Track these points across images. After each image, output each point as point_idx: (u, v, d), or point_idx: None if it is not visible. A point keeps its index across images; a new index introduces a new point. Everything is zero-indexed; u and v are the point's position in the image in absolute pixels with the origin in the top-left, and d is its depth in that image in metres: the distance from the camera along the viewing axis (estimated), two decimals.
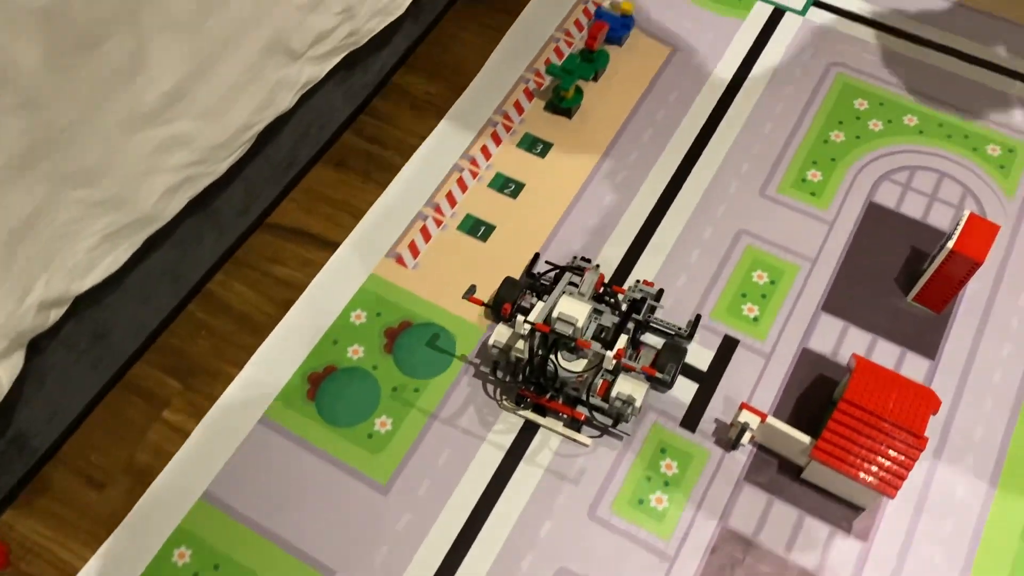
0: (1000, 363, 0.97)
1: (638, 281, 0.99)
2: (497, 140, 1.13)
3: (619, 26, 1.18)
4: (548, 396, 0.91)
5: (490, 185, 1.10)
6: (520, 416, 0.93)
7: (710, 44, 1.21)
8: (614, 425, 0.91)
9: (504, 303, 0.94)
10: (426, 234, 1.06)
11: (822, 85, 1.17)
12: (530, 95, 1.17)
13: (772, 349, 0.98)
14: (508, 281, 0.97)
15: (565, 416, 0.93)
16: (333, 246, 1.05)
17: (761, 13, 1.24)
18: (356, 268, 1.03)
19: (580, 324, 0.84)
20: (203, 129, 0.77)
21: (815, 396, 0.94)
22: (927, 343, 0.98)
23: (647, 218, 1.07)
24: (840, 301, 1.01)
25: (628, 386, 0.87)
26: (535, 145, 1.13)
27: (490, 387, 0.95)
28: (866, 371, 0.85)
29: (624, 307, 0.94)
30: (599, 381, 0.89)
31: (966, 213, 0.93)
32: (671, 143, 1.12)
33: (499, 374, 0.95)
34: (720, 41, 1.21)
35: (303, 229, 1.06)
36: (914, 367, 0.96)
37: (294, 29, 0.84)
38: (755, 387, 0.95)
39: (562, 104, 1.13)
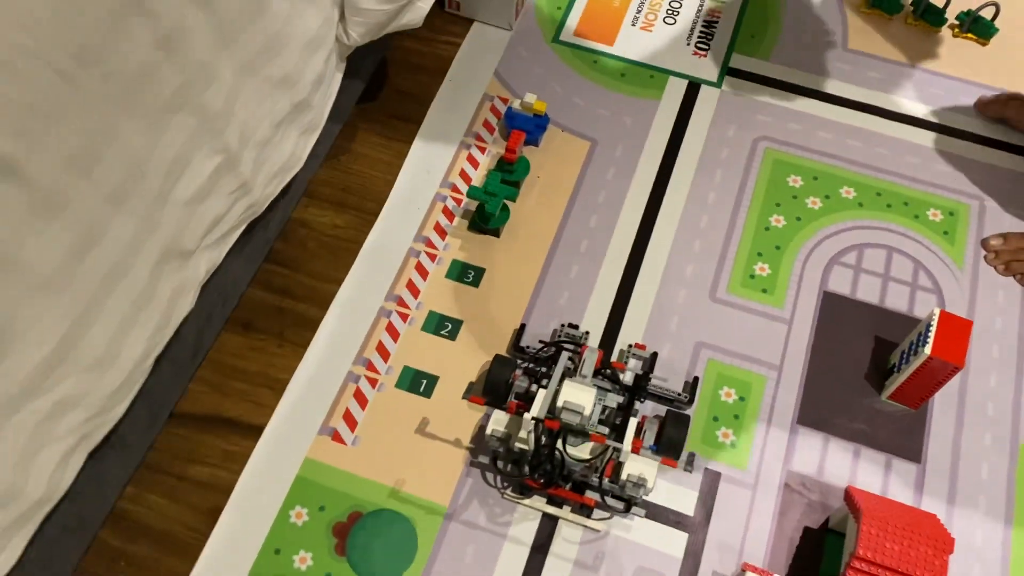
0: (984, 454, 0.93)
1: (630, 346, 0.97)
2: (423, 272, 1.02)
3: (533, 127, 1.09)
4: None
5: (424, 328, 0.99)
6: (527, 507, 0.88)
7: (629, 131, 1.13)
8: (627, 509, 0.87)
9: (500, 388, 0.90)
10: (361, 399, 0.94)
11: (752, 164, 1.11)
12: (450, 215, 1.06)
13: (756, 479, 0.91)
14: (499, 360, 0.91)
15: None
16: (256, 431, 0.92)
17: (676, 90, 1.17)
18: (287, 454, 0.91)
19: (587, 412, 0.82)
20: (94, 382, 0.63)
21: (811, 527, 0.88)
22: (910, 446, 0.93)
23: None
24: (815, 411, 0.95)
25: (638, 467, 0.84)
26: (466, 273, 1.02)
27: (489, 477, 0.89)
28: (872, 518, 0.78)
29: (628, 383, 0.91)
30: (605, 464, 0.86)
31: (936, 312, 0.88)
32: (608, 253, 1.04)
33: (499, 464, 0.89)
34: (639, 127, 1.14)
35: (218, 415, 0.93)
36: (902, 474, 0.91)
37: (184, 227, 0.71)
38: (746, 527, 0.88)
39: (489, 224, 1.03)
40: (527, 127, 1.09)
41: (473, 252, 1.04)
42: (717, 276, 1.03)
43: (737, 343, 0.98)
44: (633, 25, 1.23)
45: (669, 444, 0.88)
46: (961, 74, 1.20)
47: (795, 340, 0.99)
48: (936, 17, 1.22)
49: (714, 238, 1.05)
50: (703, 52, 1.20)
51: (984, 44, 1.23)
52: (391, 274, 1.02)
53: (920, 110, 1.16)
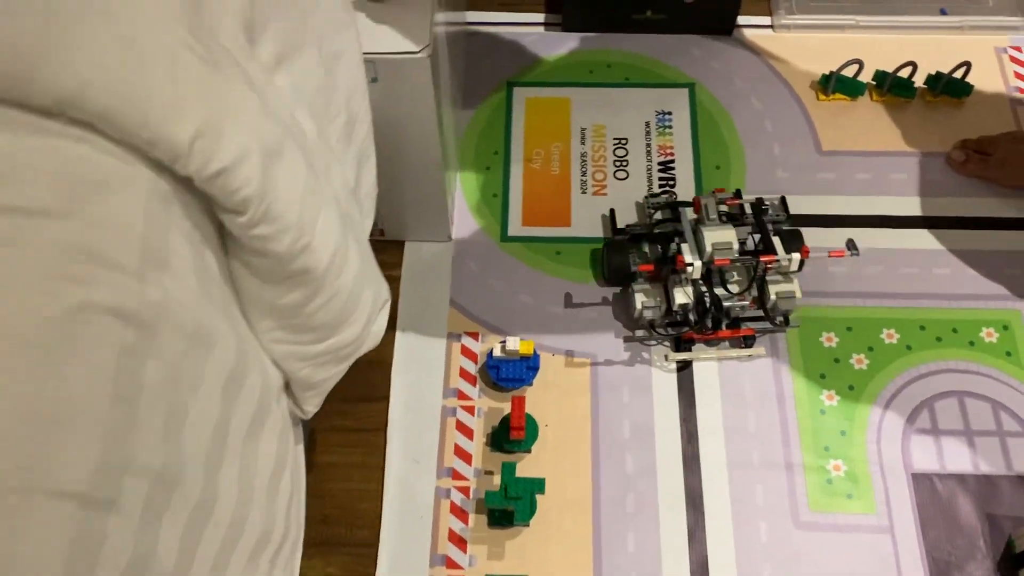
0: None
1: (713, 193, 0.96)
2: None
3: (524, 372, 0.91)
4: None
5: None
6: (699, 359, 0.93)
7: (618, 350, 0.96)
8: (786, 323, 0.92)
9: (624, 270, 0.94)
10: None
11: (777, 334, 0.95)
12: (461, 514, 0.87)
13: None
14: (611, 245, 0.96)
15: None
16: None
17: None
18: None
19: (735, 247, 0.87)
20: None
21: None
22: None
23: None
24: None
25: (780, 284, 0.90)
26: None
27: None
28: None
29: (750, 213, 0.95)
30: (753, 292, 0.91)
31: None
32: (661, 503, 0.87)
33: (661, 331, 0.93)
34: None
35: None
36: None
37: None
38: None
39: (516, 519, 0.84)
40: (517, 375, 0.90)
41: (507, 558, 0.85)
42: (792, 493, 0.87)
43: (845, 573, 0.83)
44: (584, 193, 1.05)
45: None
46: (946, 143, 1.07)
47: (906, 554, 0.84)
48: (906, 89, 1.09)
49: (770, 441, 0.89)
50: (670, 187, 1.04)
51: (960, 103, 1.10)
52: None
53: (928, 205, 1.03)
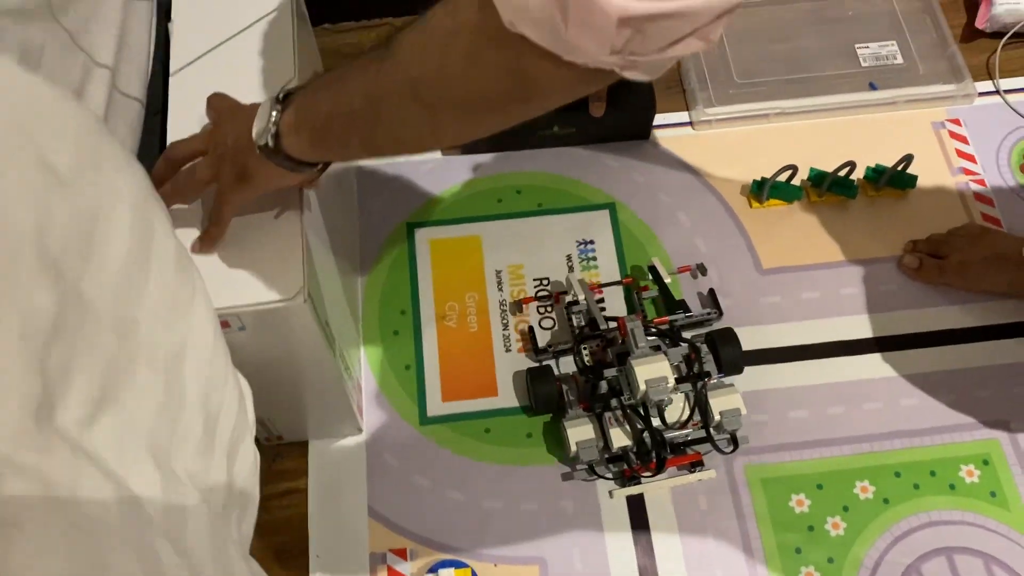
0: None
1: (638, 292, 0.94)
2: None
3: None
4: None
5: None
6: (640, 490, 0.85)
7: (573, 517, 0.84)
8: (735, 444, 0.85)
9: (554, 399, 0.86)
10: None
11: (741, 498, 0.85)
12: None
13: None
14: (536, 373, 0.87)
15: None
16: None
17: None
18: None
19: (671, 380, 0.81)
20: None
21: None
22: None
23: None
24: None
25: (721, 401, 0.85)
26: None
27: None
28: None
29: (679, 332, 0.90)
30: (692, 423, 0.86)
31: None
32: None
33: (599, 471, 0.85)
34: (584, 505, 0.85)
35: None
36: None
37: None
38: None
39: None
40: None
41: None
42: None
43: None
44: (508, 351, 0.92)
45: (731, 362, 0.88)
46: (896, 243, 0.97)
47: None
48: (846, 188, 0.99)
49: None
50: None
51: (904, 195, 1.00)
52: None
53: (884, 323, 0.93)
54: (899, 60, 1.09)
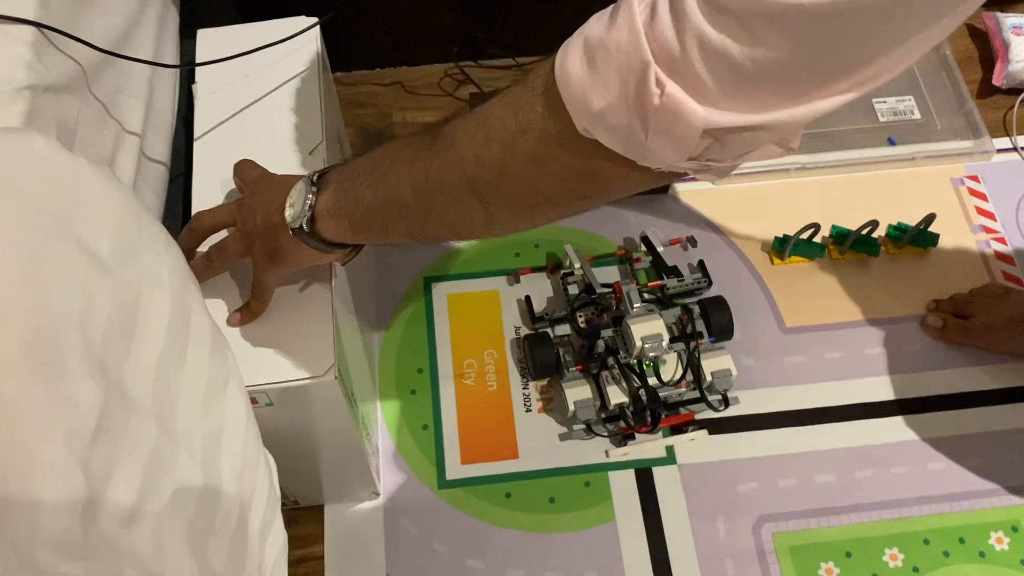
0: None
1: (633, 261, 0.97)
2: None
3: None
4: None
5: None
6: (636, 450, 0.88)
7: None
8: (725, 403, 0.88)
9: (552, 365, 0.89)
10: None
11: (768, 566, 0.83)
12: None
13: None
14: (533, 340, 0.90)
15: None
16: None
17: (626, 491, 0.86)
18: None
19: (665, 337, 0.85)
20: None
21: None
22: None
23: None
24: None
25: (712, 362, 0.88)
26: None
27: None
28: None
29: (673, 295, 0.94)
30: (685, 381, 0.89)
31: None
32: None
33: (596, 429, 0.87)
34: (607, 566, 0.83)
35: None
36: None
37: None
38: None
39: None
40: None
41: None
42: None
43: None
44: (528, 411, 0.90)
45: (721, 328, 0.91)
46: (919, 302, 0.96)
47: None
48: (868, 246, 0.98)
49: None
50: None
51: (926, 253, 0.99)
52: None
53: (910, 384, 0.92)
54: (917, 115, 1.09)
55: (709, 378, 0.87)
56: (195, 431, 0.50)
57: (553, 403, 0.90)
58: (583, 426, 0.87)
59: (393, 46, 1.16)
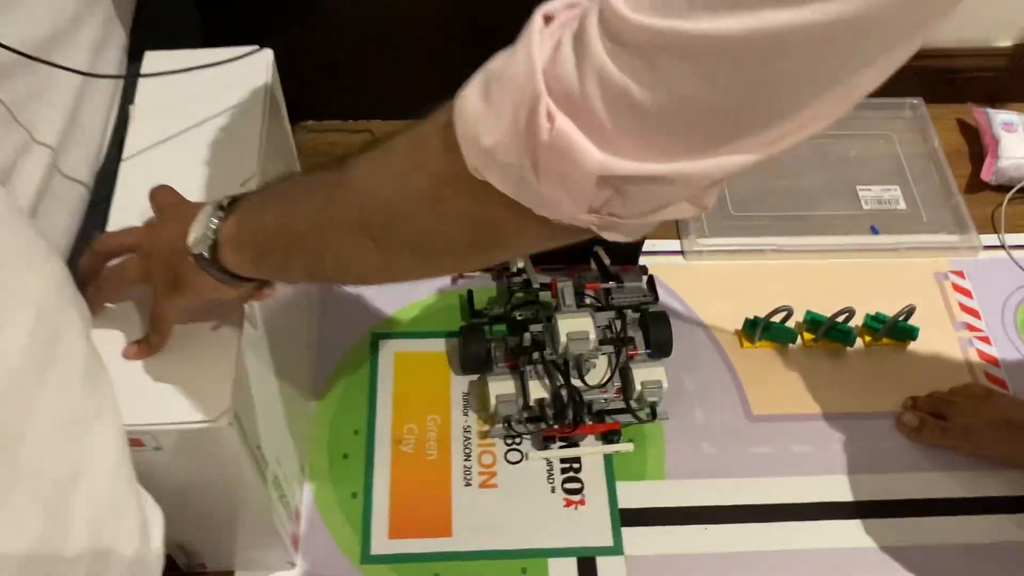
0: None
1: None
2: None
3: None
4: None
5: None
6: (556, 457, 0.85)
7: None
8: (653, 416, 0.85)
9: (481, 358, 0.88)
10: None
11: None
12: None
13: None
14: (466, 331, 0.89)
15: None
16: None
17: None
18: None
19: (592, 336, 0.82)
20: None
21: None
22: None
23: None
24: None
25: (644, 372, 0.85)
26: None
27: None
28: None
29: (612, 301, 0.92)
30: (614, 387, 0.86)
31: None
32: None
33: (517, 428, 0.85)
34: None
35: None
36: None
37: None
38: None
39: None
40: None
41: None
42: None
43: None
44: (468, 485, 0.84)
45: (659, 344, 0.89)
46: (895, 398, 0.90)
47: None
48: (844, 335, 0.92)
49: None
50: (576, 499, 0.83)
51: (904, 346, 0.94)
52: None
53: (881, 485, 0.85)
54: (902, 205, 1.05)
55: (639, 388, 0.84)
56: (45, 466, 0.44)
57: (489, 434, 0.86)
58: (504, 423, 0.84)
59: (369, 100, 1.13)
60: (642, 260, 0.98)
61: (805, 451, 0.87)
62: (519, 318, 0.89)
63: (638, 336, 0.89)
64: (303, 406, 0.85)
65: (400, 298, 0.95)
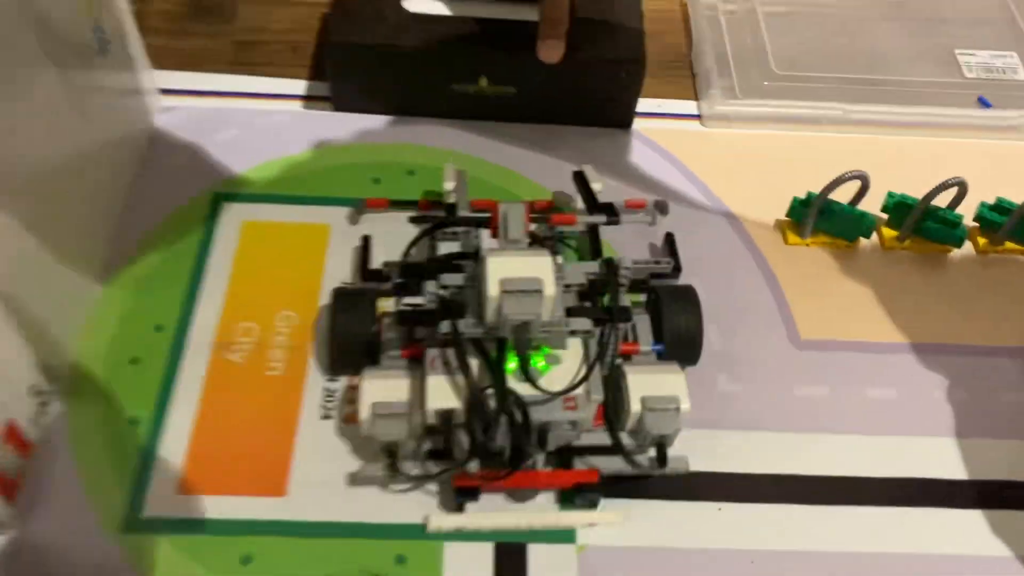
0: None
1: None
2: None
3: None
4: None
5: None
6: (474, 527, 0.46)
7: None
8: (662, 461, 0.46)
9: (357, 340, 0.49)
10: None
11: None
12: None
13: None
14: (340, 296, 0.51)
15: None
16: None
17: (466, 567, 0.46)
18: None
19: (551, 291, 0.43)
20: None
21: None
22: None
23: None
24: None
25: (649, 381, 0.46)
26: None
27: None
28: None
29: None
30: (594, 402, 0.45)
31: None
32: None
33: (405, 468, 0.46)
34: None
35: None
36: None
37: None
38: None
39: None
40: None
41: None
42: None
43: None
44: (327, 418, 0.51)
45: (679, 339, 0.50)
46: (1022, 330, 0.57)
47: None
48: (948, 229, 0.59)
49: None
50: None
51: None
52: None
53: (1005, 460, 0.52)
54: (1021, 76, 0.73)
55: (637, 407, 0.46)
56: None
57: (357, 478, 0.48)
58: (386, 461, 0.46)
59: None
60: (644, 124, 0.66)
61: (882, 397, 0.54)
62: (419, 264, 0.53)
63: (642, 323, 0.51)
64: (81, 284, 0.53)
65: (269, 148, 0.63)
